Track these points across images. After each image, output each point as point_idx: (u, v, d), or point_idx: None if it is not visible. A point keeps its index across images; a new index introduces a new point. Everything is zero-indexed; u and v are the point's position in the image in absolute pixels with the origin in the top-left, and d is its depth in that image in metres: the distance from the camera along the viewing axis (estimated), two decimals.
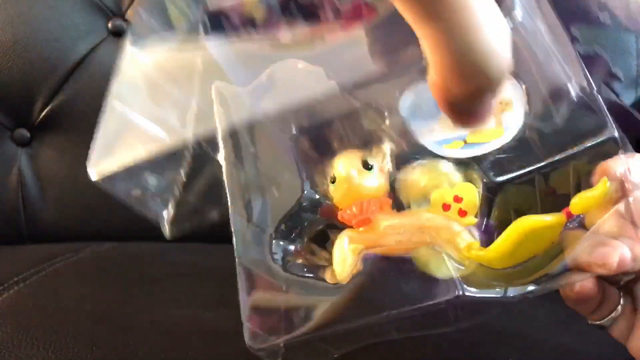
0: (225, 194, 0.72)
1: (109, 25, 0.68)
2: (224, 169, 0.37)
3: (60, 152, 0.69)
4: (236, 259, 0.34)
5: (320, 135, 0.37)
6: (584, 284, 0.30)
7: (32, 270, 0.52)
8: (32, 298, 0.47)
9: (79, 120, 0.67)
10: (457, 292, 0.30)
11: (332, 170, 0.36)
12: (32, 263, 0.54)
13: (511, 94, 0.35)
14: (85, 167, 0.75)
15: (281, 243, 0.35)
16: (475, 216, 0.33)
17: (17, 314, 0.43)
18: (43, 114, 0.68)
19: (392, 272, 0.32)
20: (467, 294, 0.30)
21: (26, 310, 0.44)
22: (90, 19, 0.68)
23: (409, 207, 0.34)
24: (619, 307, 0.32)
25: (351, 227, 0.34)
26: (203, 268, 0.55)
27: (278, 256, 0.34)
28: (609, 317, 0.32)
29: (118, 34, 0.68)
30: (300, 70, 0.39)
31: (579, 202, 0.30)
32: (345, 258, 0.33)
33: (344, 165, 0.35)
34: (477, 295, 0.30)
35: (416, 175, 0.34)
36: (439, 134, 0.35)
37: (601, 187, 0.30)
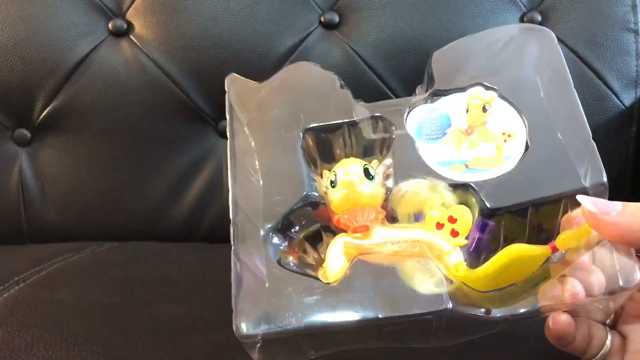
0: (224, 195, 0.72)
1: (109, 25, 0.68)
2: (228, 159, 0.37)
3: (60, 152, 0.69)
4: (232, 249, 0.34)
5: (324, 139, 0.38)
6: (556, 318, 0.32)
7: (33, 270, 0.52)
8: (33, 298, 0.47)
9: (79, 120, 0.68)
10: (444, 306, 0.31)
11: (333, 174, 0.36)
12: (32, 263, 0.54)
13: (514, 126, 0.37)
14: (85, 167, 0.76)
15: (275, 238, 0.35)
16: (466, 238, 0.34)
17: (18, 314, 0.43)
18: (43, 114, 0.68)
19: (382, 279, 0.32)
20: (453, 308, 0.31)
21: (27, 310, 0.44)
22: (90, 19, 0.68)
23: (401, 220, 0.35)
24: (607, 343, 0.34)
25: (346, 231, 0.35)
26: (202, 268, 0.55)
27: (271, 251, 0.34)
28: (600, 354, 0.34)
29: (118, 34, 0.68)
30: (313, 72, 0.40)
31: (565, 239, 0.32)
32: (337, 260, 0.34)
33: (346, 171, 0.36)
34: (463, 311, 0.31)
35: (414, 191, 0.35)
36: (442, 155, 0.37)
37: (586, 227, 0.31)
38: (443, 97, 0.39)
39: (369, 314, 0.31)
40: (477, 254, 0.34)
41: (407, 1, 0.66)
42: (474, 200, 0.35)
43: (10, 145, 0.70)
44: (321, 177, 0.37)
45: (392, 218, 0.35)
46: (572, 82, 0.37)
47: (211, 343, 0.40)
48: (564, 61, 0.38)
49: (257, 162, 0.37)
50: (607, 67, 0.66)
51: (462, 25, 0.65)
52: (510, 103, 0.37)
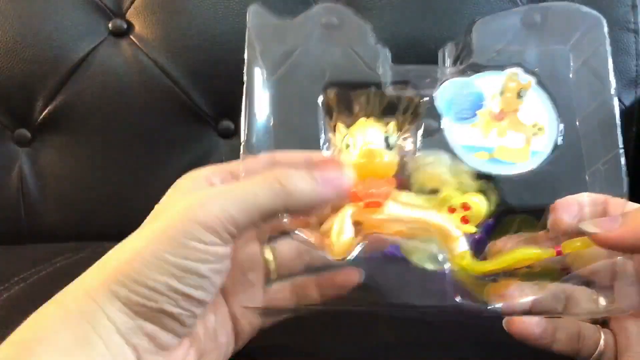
0: None
1: (109, 25, 0.68)
2: (243, 100, 0.35)
3: (60, 152, 0.69)
4: None
5: (345, 94, 0.36)
6: (510, 318, 0.34)
7: (33, 270, 0.52)
8: (33, 298, 0.46)
9: (79, 120, 0.68)
10: (447, 302, 0.32)
11: (350, 137, 0.34)
12: (32, 263, 0.54)
13: (546, 121, 0.35)
14: (85, 167, 0.75)
15: None
16: (477, 226, 0.33)
17: (18, 314, 0.43)
18: (43, 114, 0.68)
19: (392, 267, 0.33)
20: (455, 303, 0.32)
21: (27, 310, 0.44)
22: (90, 19, 0.68)
23: (413, 190, 0.34)
24: (602, 343, 0.34)
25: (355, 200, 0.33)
26: None
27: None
28: (595, 353, 0.34)
29: (118, 34, 0.68)
30: (346, 20, 0.38)
31: (570, 244, 0.32)
32: (343, 232, 0.32)
33: (366, 138, 0.34)
34: (465, 305, 0.32)
35: (435, 169, 0.34)
36: (469, 138, 0.35)
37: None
38: (479, 73, 0.36)
39: (372, 303, 0.33)
40: (482, 246, 0.34)
41: (407, 1, 0.66)
42: (492, 192, 0.34)
43: (10, 145, 0.70)
44: (334, 130, 0.35)
45: (403, 186, 0.34)
46: (613, 84, 0.35)
47: None
48: (609, 53, 0.35)
49: (271, 113, 0.35)
50: None
51: (462, 25, 0.65)
52: (548, 93, 0.35)
